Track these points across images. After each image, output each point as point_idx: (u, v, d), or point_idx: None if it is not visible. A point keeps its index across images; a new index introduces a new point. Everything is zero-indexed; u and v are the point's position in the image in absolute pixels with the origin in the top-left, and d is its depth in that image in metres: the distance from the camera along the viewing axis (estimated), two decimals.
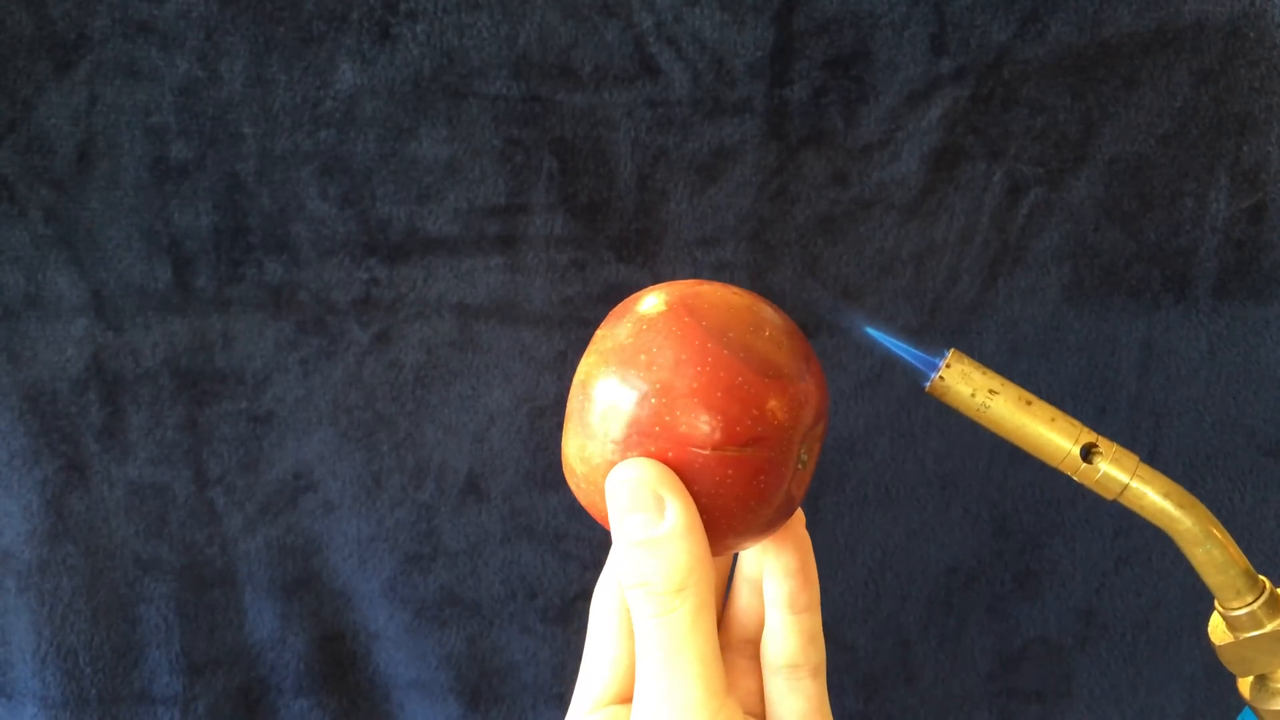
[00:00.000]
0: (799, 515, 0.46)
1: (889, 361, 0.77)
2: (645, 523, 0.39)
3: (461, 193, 0.74)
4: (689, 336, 0.39)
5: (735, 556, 0.49)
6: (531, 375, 0.77)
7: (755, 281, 0.76)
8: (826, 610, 0.48)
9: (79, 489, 0.77)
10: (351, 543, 0.79)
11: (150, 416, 0.76)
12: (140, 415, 0.76)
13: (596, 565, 0.79)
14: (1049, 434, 0.41)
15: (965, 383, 0.41)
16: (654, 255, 0.75)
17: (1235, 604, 0.42)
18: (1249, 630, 0.42)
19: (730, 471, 0.39)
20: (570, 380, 0.76)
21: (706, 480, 0.39)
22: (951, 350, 0.41)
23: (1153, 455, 0.80)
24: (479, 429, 0.78)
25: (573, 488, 0.43)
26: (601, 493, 0.40)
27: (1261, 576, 0.42)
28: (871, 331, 0.44)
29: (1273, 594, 0.42)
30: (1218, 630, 0.44)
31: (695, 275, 0.76)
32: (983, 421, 0.41)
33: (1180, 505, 0.40)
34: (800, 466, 0.42)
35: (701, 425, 0.38)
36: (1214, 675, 0.83)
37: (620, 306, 0.43)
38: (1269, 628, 0.42)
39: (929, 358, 0.42)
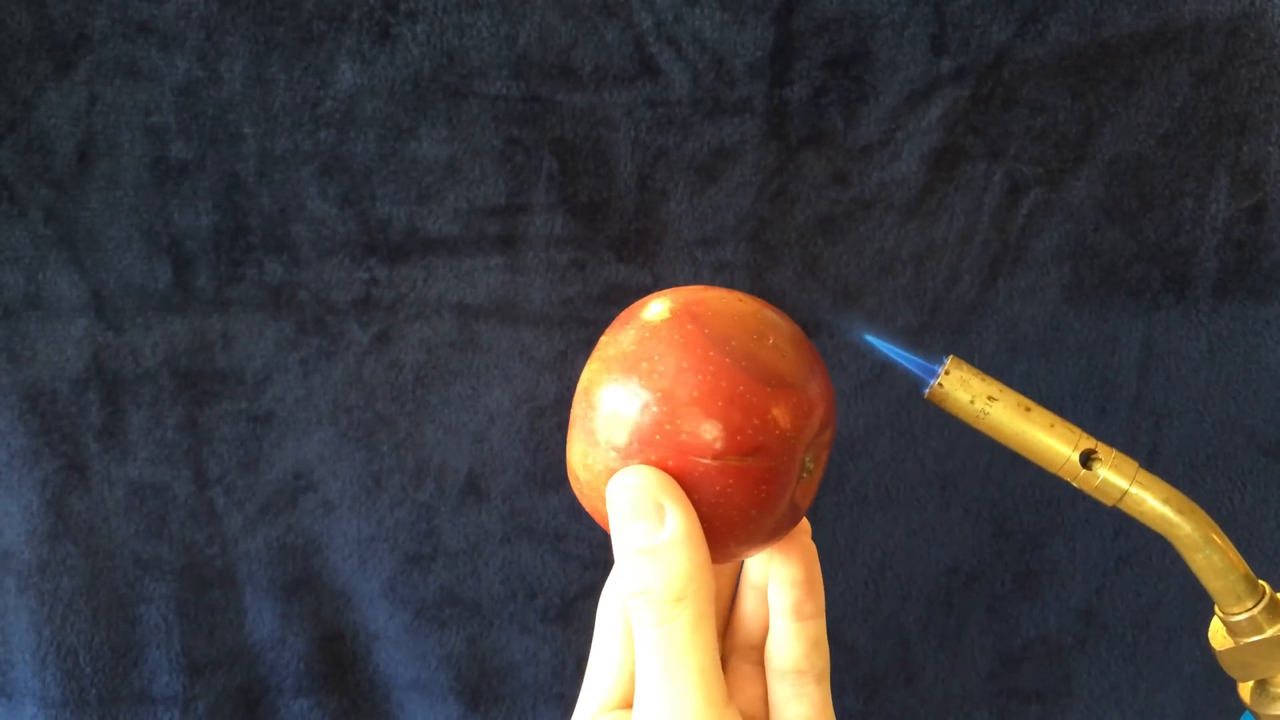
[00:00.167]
0: (805, 524, 0.46)
1: (889, 362, 0.77)
2: (646, 531, 0.39)
3: (461, 193, 0.74)
4: (692, 344, 0.39)
5: (741, 563, 0.49)
6: (531, 375, 0.77)
7: (755, 281, 0.76)
8: (827, 611, 0.48)
9: (79, 489, 0.77)
10: (351, 543, 0.79)
11: (150, 416, 0.76)
12: (140, 415, 0.76)
13: (596, 565, 0.79)
14: (1048, 440, 0.41)
15: (964, 389, 0.41)
16: (654, 255, 0.75)
17: (1235, 609, 0.42)
18: (1249, 635, 0.42)
19: (732, 481, 0.39)
20: (570, 380, 0.77)
21: (708, 489, 0.39)
22: (950, 357, 0.41)
23: (1153, 455, 0.80)
24: (479, 429, 0.78)
25: (577, 493, 0.43)
26: (604, 499, 0.40)
27: (1261, 582, 0.42)
28: (870, 339, 0.44)
29: (1273, 599, 0.42)
30: (1218, 635, 0.44)
31: (695, 275, 0.76)
32: (982, 428, 0.41)
33: (1180, 511, 0.40)
34: (805, 475, 0.42)
35: (703, 434, 0.38)
36: (1214, 676, 0.83)
37: (625, 313, 0.43)
38: (1269, 633, 0.42)
39: (928, 364, 0.42)
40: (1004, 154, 0.75)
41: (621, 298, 0.76)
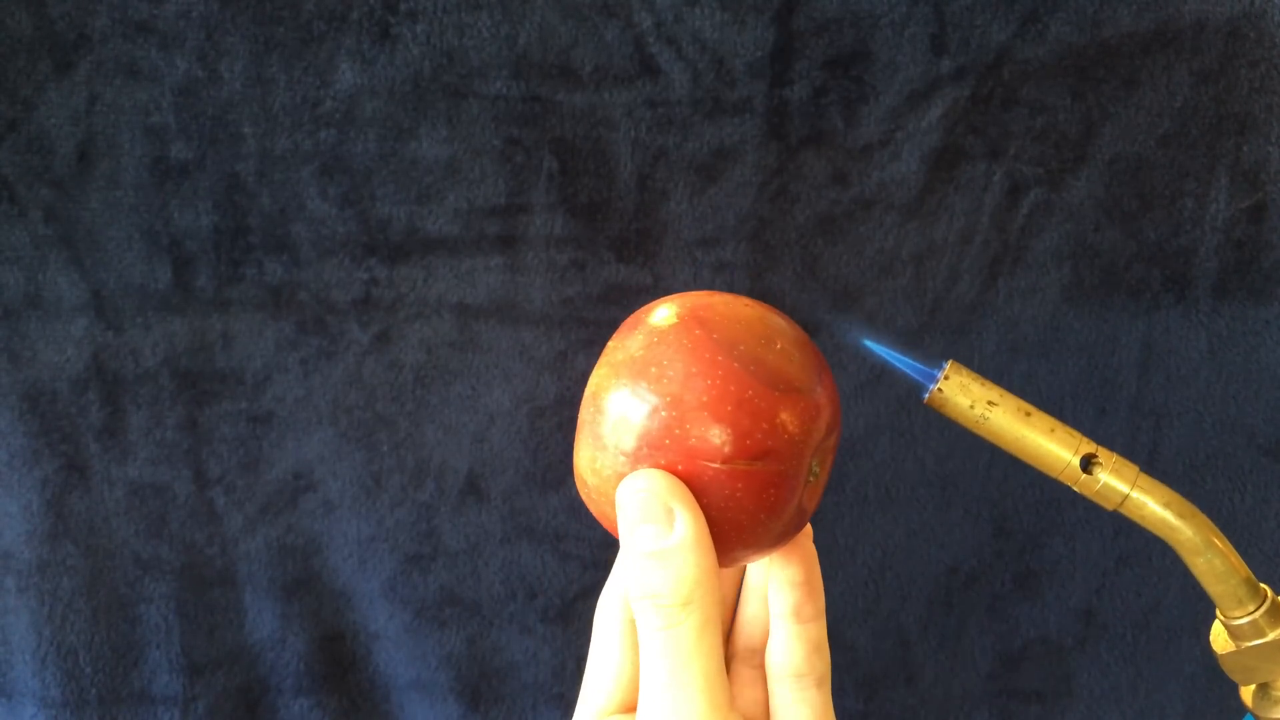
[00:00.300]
0: (806, 528, 0.46)
1: (888, 364, 0.77)
2: (655, 534, 0.39)
3: (461, 193, 0.74)
4: (700, 350, 0.39)
5: (745, 567, 0.49)
6: (531, 375, 0.77)
7: (755, 281, 0.76)
8: (827, 611, 0.48)
9: (79, 489, 0.77)
10: (351, 543, 0.79)
11: (150, 416, 0.76)
12: (140, 415, 0.76)
13: (596, 565, 0.79)
14: (1048, 445, 0.41)
15: (964, 394, 0.41)
16: (654, 255, 0.75)
17: (1237, 613, 0.42)
18: (1251, 639, 0.42)
19: (740, 485, 0.39)
20: (570, 379, 0.77)
21: (716, 493, 0.39)
22: (950, 362, 0.41)
23: (1153, 456, 0.80)
24: (479, 429, 0.78)
25: (584, 498, 0.43)
26: (613, 504, 0.40)
27: (1263, 585, 0.42)
28: (869, 343, 0.44)
29: (1274, 602, 0.42)
30: (1220, 639, 0.44)
31: (695, 275, 0.76)
32: (982, 433, 0.41)
33: (1181, 515, 0.40)
34: (812, 479, 0.42)
35: (712, 438, 0.39)
36: (1214, 676, 0.82)
37: (632, 318, 0.43)
38: (1271, 636, 0.42)
39: (927, 369, 0.42)
40: (1004, 154, 0.74)
41: (621, 298, 0.76)
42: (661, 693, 0.38)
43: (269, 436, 0.77)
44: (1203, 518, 0.41)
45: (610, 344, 0.42)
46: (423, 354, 0.76)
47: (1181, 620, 0.82)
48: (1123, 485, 0.40)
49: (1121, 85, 0.74)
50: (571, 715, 0.47)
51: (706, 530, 0.39)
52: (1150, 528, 0.41)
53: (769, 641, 0.47)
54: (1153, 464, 0.79)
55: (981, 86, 0.73)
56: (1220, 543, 0.41)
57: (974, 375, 0.41)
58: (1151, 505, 0.40)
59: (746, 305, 0.42)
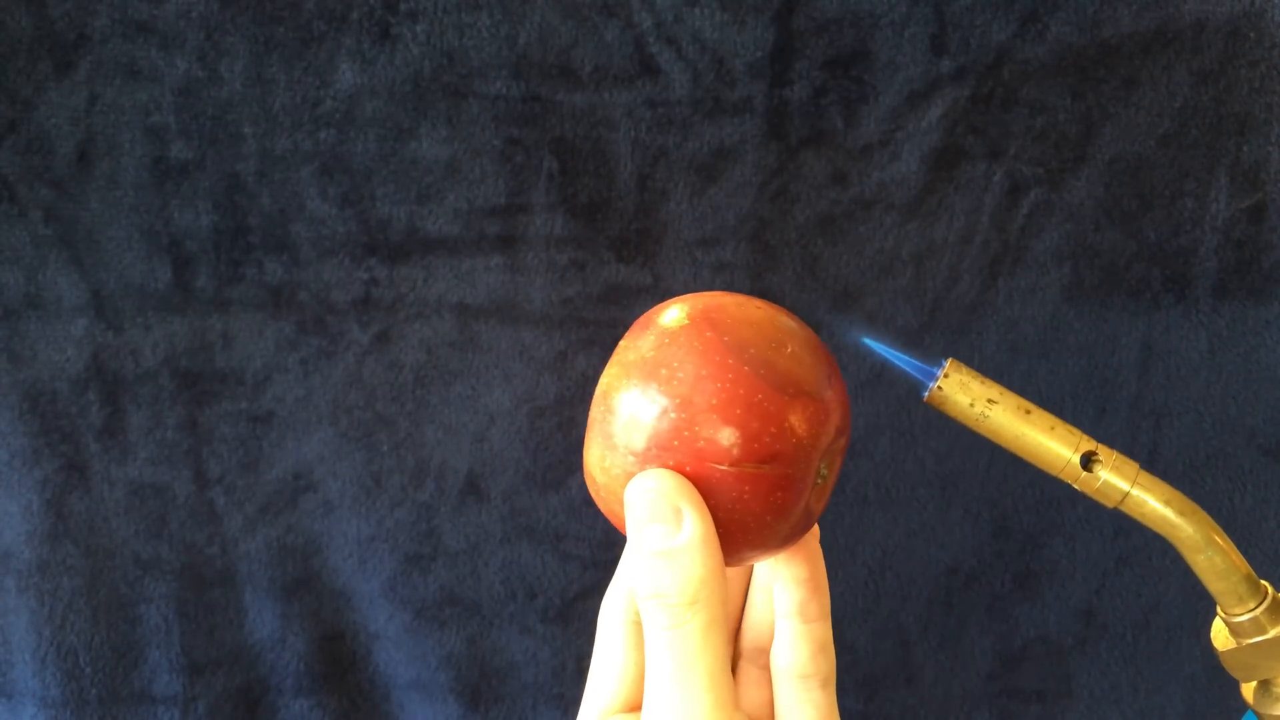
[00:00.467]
0: (813, 528, 0.46)
1: (888, 364, 0.77)
2: (663, 534, 0.39)
3: (461, 193, 0.74)
4: (710, 352, 0.40)
5: (752, 568, 0.49)
6: (531, 375, 0.77)
7: (755, 281, 0.76)
8: None
9: (79, 489, 0.77)
10: (351, 543, 0.79)
11: (150, 416, 0.76)
12: (140, 415, 0.76)
13: (596, 565, 0.79)
14: (1048, 443, 0.41)
15: (963, 392, 0.41)
16: (654, 255, 0.75)
17: (1238, 610, 0.42)
18: (1252, 636, 0.42)
19: (748, 487, 0.39)
20: (570, 379, 0.77)
21: (724, 495, 0.39)
22: (949, 360, 0.41)
23: (1153, 455, 0.80)
24: (479, 429, 0.78)
25: (593, 495, 0.43)
26: (621, 502, 0.40)
27: (1263, 581, 0.42)
28: (869, 342, 0.44)
29: (1275, 599, 0.42)
30: (1220, 636, 0.44)
31: (695, 275, 0.76)
32: (982, 431, 0.41)
33: (1181, 513, 0.40)
34: (820, 481, 0.42)
35: (720, 441, 0.39)
36: (1214, 676, 0.83)
37: (644, 318, 0.43)
38: (1272, 633, 0.42)
39: (927, 367, 0.42)
40: (1004, 154, 0.75)
41: (621, 298, 0.76)
42: (666, 691, 0.38)
43: (269, 436, 0.77)
44: (1203, 515, 0.41)
45: (622, 343, 0.43)
46: (423, 354, 0.76)
47: (1181, 620, 0.82)
48: (1123, 483, 0.40)
49: (1121, 85, 0.74)
50: (572, 715, 0.47)
51: (714, 531, 0.39)
52: (1151, 525, 0.41)
53: (774, 641, 0.47)
54: (1153, 464, 0.79)
55: (981, 86, 0.73)
56: (1221, 540, 0.41)
57: (974, 373, 0.41)
58: (1152, 502, 0.40)
59: (758, 308, 0.42)
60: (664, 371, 0.40)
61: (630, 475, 0.40)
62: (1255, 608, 0.42)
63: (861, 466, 0.79)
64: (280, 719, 0.82)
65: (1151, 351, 0.78)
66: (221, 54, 0.71)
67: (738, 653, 0.49)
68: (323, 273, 0.74)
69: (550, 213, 0.74)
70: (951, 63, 0.73)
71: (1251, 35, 0.72)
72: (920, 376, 0.42)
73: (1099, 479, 0.41)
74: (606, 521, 0.79)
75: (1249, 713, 0.45)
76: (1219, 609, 0.43)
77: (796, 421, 0.39)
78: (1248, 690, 0.45)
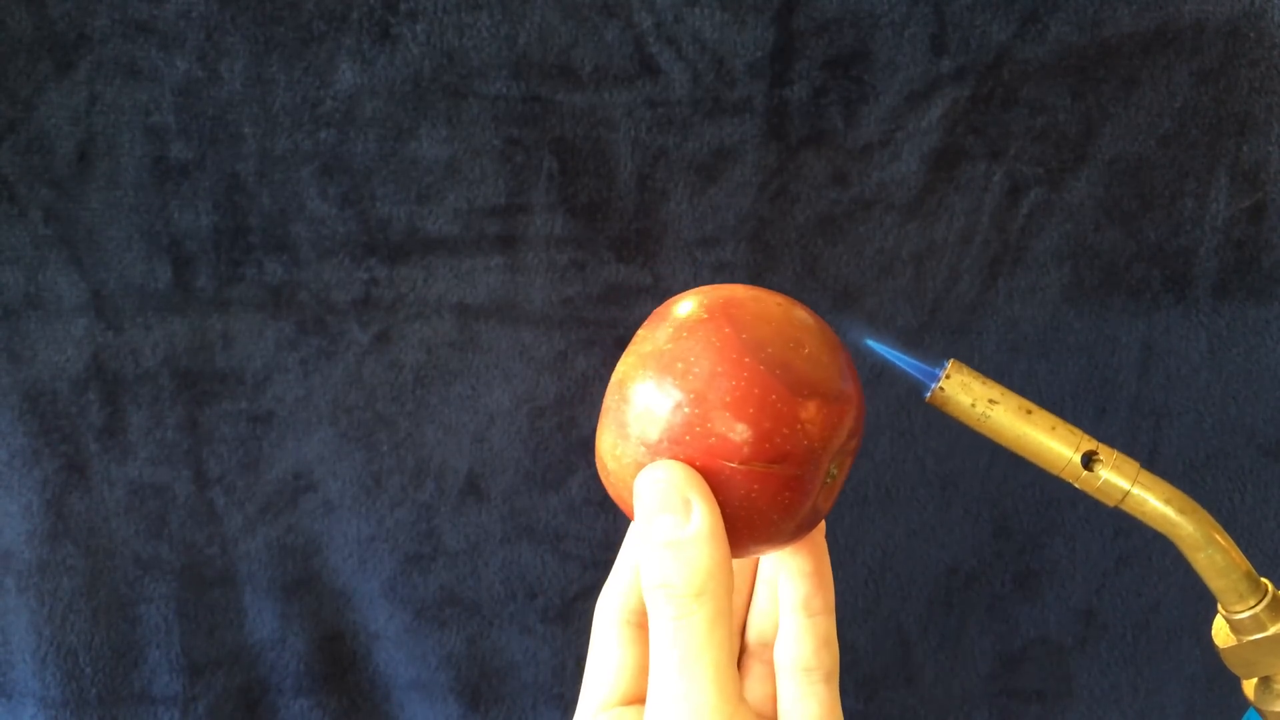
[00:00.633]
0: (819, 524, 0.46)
1: (889, 365, 0.77)
2: (671, 524, 0.39)
3: (461, 193, 0.74)
4: (727, 348, 0.40)
5: (758, 562, 0.49)
6: (531, 375, 0.77)
7: (755, 281, 0.75)
8: None
9: (79, 489, 0.77)
10: (351, 543, 0.79)
11: (150, 416, 0.76)
12: (140, 415, 0.76)
13: (596, 565, 0.79)
14: (1049, 442, 0.41)
15: (965, 393, 0.41)
16: (654, 255, 0.75)
17: (1238, 607, 0.42)
18: (1252, 633, 0.42)
19: (756, 485, 0.39)
20: (570, 379, 0.77)
21: (733, 492, 0.39)
22: (951, 360, 0.41)
23: (1153, 455, 0.80)
24: (479, 429, 0.78)
25: (604, 481, 0.43)
26: (631, 490, 0.40)
27: (1264, 579, 0.42)
28: (871, 343, 0.44)
29: (1275, 597, 0.42)
30: (1221, 633, 0.44)
31: (695, 275, 0.76)
32: (983, 431, 0.41)
33: (1182, 511, 0.40)
34: (829, 480, 0.42)
35: (732, 438, 0.39)
36: (1215, 675, 0.83)
37: (661, 309, 0.43)
38: (1272, 630, 0.42)
39: (929, 368, 0.42)
40: (1004, 154, 0.75)
41: (621, 298, 0.76)
42: (672, 682, 0.38)
43: (269, 436, 0.77)
44: (1203, 513, 0.41)
45: (639, 334, 0.43)
46: (423, 354, 0.76)
47: (1181, 620, 0.82)
48: (1124, 482, 0.40)
49: (1121, 85, 0.74)
50: (571, 715, 0.47)
51: (722, 523, 0.39)
52: (1151, 524, 0.41)
53: (778, 635, 0.47)
54: (1153, 464, 0.79)
55: (981, 86, 0.73)
56: (1221, 538, 0.41)
57: (975, 374, 0.41)
58: (1152, 501, 0.40)
59: (777, 304, 0.42)
60: (680, 365, 0.40)
61: (641, 465, 0.40)
62: (1256, 605, 0.42)
63: (861, 466, 0.79)
64: (280, 719, 0.82)
65: (1151, 351, 0.78)
66: (221, 54, 0.71)
67: (744, 647, 0.49)
68: (323, 273, 0.74)
69: (550, 213, 0.74)
70: (951, 63, 0.73)
71: (1251, 35, 0.72)
72: (922, 377, 0.42)
73: (1100, 478, 0.41)
74: (606, 521, 0.79)
75: (1250, 710, 0.45)
76: (1220, 606, 0.43)
77: (809, 423, 0.39)
78: (1249, 687, 0.45)
